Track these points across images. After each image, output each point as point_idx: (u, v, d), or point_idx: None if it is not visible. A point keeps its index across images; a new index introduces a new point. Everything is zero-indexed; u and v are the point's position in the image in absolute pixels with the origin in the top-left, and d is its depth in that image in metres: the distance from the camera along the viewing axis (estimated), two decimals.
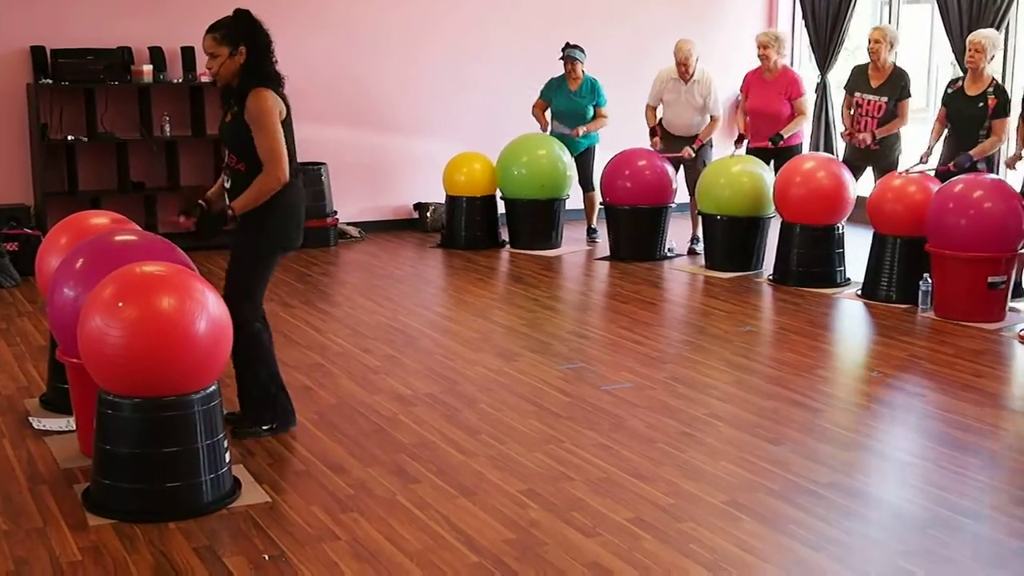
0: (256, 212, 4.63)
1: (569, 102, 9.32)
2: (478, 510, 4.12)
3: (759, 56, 8.64)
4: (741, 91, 8.96)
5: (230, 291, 4.68)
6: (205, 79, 8.74)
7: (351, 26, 9.87)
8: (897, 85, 8.01)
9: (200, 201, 4.74)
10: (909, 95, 8.05)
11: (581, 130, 9.23)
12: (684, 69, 8.80)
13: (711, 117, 8.93)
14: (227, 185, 4.72)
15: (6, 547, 3.82)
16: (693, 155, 8.86)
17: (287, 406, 4.96)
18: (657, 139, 8.98)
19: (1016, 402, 5.65)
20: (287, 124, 4.66)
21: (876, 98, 8.01)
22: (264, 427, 4.87)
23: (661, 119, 9.08)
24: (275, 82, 4.66)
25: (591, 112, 9.32)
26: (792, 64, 11.39)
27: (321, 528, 3.98)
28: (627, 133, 9.40)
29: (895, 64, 8.10)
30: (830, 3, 10.65)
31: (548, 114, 9.43)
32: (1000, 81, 7.67)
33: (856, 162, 8.17)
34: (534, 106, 9.47)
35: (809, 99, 8.47)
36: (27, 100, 8.85)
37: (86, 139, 8.88)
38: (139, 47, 9.02)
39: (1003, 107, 7.34)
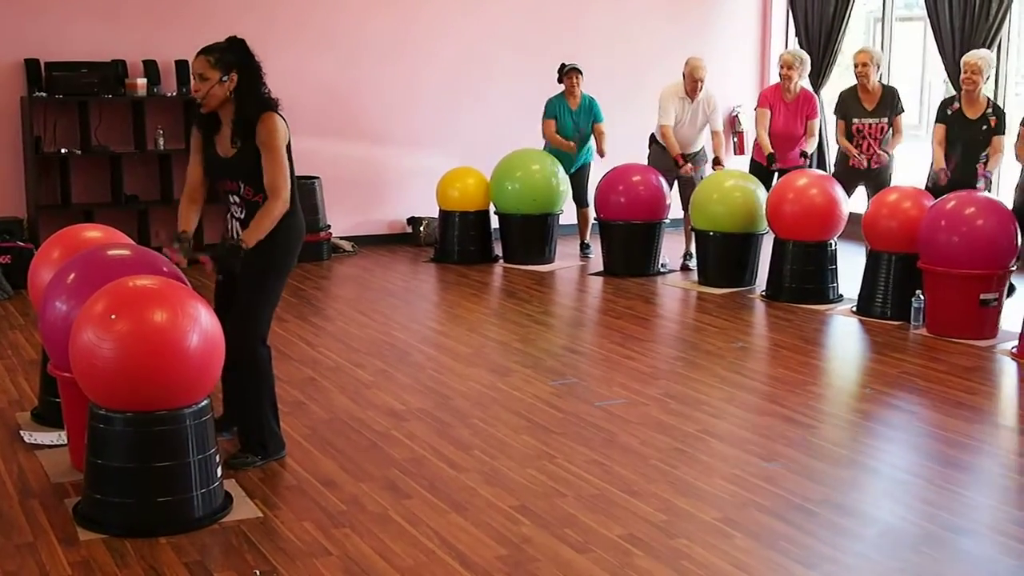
0: (266, 240, 4.54)
1: (572, 123, 9.28)
2: (470, 526, 4.12)
3: (781, 75, 8.51)
4: (760, 107, 8.68)
5: (240, 319, 4.59)
6: None
7: (346, 41, 9.89)
8: (891, 103, 8.07)
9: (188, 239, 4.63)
10: (903, 110, 8.15)
11: (605, 149, 9.17)
12: (699, 86, 8.78)
13: (714, 132, 8.92)
14: (240, 216, 4.63)
15: None
16: (693, 171, 8.87)
17: (279, 434, 4.88)
18: (688, 165, 8.84)
19: (1008, 419, 5.66)
20: (288, 149, 4.62)
21: (875, 120, 8.07)
22: (259, 458, 4.73)
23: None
24: (277, 109, 4.60)
25: (589, 130, 9.34)
26: None
27: (313, 543, 3.97)
28: (625, 150, 9.35)
29: (883, 83, 8.14)
30: (823, 20, 10.71)
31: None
32: (992, 99, 7.71)
33: (849, 180, 8.19)
34: (546, 127, 9.30)
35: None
36: (21, 113, 8.84)
37: (79, 152, 8.88)
38: (133, 60, 9.03)
39: (1001, 125, 7.45)
